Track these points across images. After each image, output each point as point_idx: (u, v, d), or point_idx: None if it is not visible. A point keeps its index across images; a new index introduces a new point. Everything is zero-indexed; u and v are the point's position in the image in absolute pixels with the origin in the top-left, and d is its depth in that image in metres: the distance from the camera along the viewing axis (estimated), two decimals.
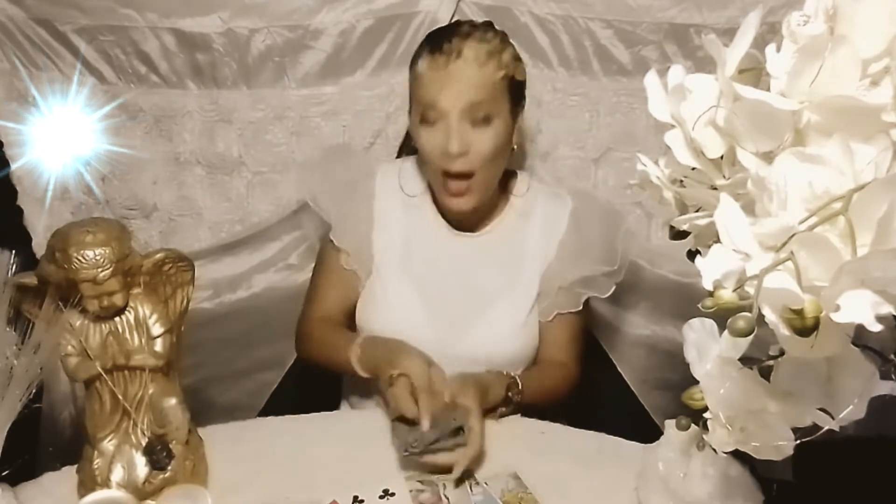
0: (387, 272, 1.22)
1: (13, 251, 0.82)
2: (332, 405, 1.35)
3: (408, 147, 1.35)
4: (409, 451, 0.96)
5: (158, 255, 0.91)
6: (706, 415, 0.61)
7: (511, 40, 1.15)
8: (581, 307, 1.22)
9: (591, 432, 1.10)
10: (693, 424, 0.77)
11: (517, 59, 1.15)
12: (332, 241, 1.23)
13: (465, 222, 1.22)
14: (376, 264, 1.23)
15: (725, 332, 0.49)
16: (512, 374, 1.12)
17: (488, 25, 1.15)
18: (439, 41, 1.10)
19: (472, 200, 1.15)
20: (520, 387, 1.11)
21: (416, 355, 1.06)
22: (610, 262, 1.20)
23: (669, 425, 0.86)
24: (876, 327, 0.44)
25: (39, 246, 1.35)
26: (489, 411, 1.06)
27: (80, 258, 0.84)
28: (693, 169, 0.62)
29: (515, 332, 1.19)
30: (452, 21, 1.20)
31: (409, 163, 1.27)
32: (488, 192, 1.18)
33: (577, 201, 1.24)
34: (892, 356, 0.54)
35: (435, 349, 1.15)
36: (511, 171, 1.25)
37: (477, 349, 1.16)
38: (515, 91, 1.15)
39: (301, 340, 1.28)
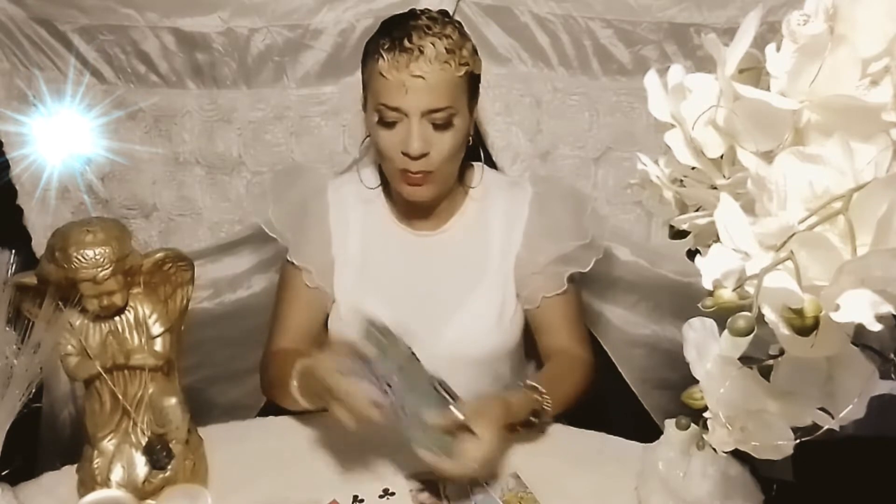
0: (349, 285, 1.19)
1: (13, 251, 0.82)
2: None
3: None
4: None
5: (158, 255, 0.91)
6: (706, 414, 0.61)
7: (463, 28, 1.13)
8: (566, 286, 1.20)
9: (591, 432, 1.10)
10: (693, 424, 0.77)
11: (475, 52, 1.12)
12: (291, 262, 1.20)
13: (424, 220, 1.20)
14: (337, 276, 1.20)
15: (725, 331, 0.49)
16: (542, 397, 1.06)
17: (445, 16, 1.12)
18: (399, 37, 1.06)
19: (430, 190, 1.13)
20: (547, 408, 1.06)
21: (324, 357, 0.96)
22: (580, 237, 1.18)
23: (669, 425, 0.86)
24: (876, 327, 0.44)
25: (39, 246, 1.35)
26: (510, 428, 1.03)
27: (79, 257, 0.84)
28: (693, 168, 0.62)
29: (490, 327, 1.18)
30: (409, 10, 1.13)
31: (365, 165, 1.25)
32: (447, 184, 1.16)
33: (537, 187, 1.23)
34: (892, 356, 0.54)
35: None
36: (466, 164, 1.21)
37: (453, 349, 1.15)
38: (474, 86, 1.13)
39: (262, 377, 1.21)
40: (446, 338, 1.16)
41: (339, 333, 1.19)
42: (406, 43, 1.04)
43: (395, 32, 1.06)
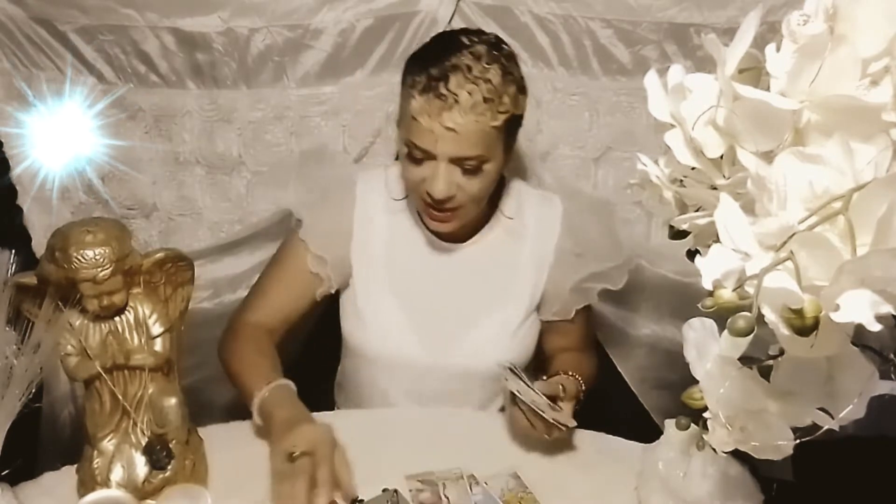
0: (369, 286, 1.18)
1: (13, 251, 0.82)
2: (332, 405, 1.35)
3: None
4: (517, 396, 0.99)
5: (158, 255, 0.91)
6: (706, 415, 0.61)
7: (517, 61, 1.07)
8: (596, 300, 1.21)
9: (591, 432, 1.10)
10: (693, 424, 0.77)
11: (520, 91, 1.05)
12: (302, 240, 1.17)
13: (452, 232, 1.17)
14: (355, 277, 1.19)
15: (725, 331, 0.49)
16: (578, 380, 1.09)
17: (493, 48, 1.03)
18: (436, 78, 0.99)
19: (455, 225, 1.12)
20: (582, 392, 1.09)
21: (323, 442, 0.93)
22: (615, 258, 1.19)
23: (669, 425, 0.86)
24: (875, 327, 0.44)
25: (39, 246, 1.35)
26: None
27: (79, 258, 0.84)
28: (693, 168, 0.62)
29: (507, 341, 1.18)
30: (455, 33, 1.07)
31: (394, 169, 1.20)
32: (473, 215, 1.14)
33: (566, 202, 1.21)
34: (892, 356, 0.54)
35: (424, 364, 1.15)
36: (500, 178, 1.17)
37: (469, 362, 1.15)
38: (514, 127, 1.08)
39: (226, 340, 1.17)
40: (463, 351, 1.15)
41: (355, 333, 1.19)
42: (441, 89, 0.99)
43: (433, 69, 1.00)
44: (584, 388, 1.09)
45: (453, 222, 1.11)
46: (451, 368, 1.15)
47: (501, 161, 1.08)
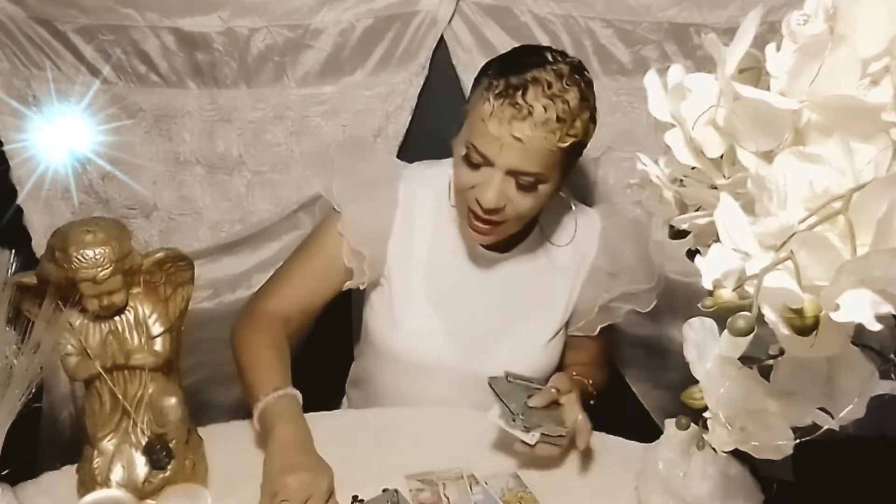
0: (405, 288, 1.16)
1: (13, 251, 0.82)
2: (333, 405, 1.35)
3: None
4: (514, 420, 0.99)
5: (158, 255, 0.91)
6: (706, 414, 0.61)
7: (594, 90, 1.05)
8: (622, 319, 1.22)
9: (592, 432, 1.10)
10: (693, 424, 0.77)
11: (592, 120, 1.04)
12: (340, 234, 1.15)
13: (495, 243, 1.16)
14: (389, 277, 1.17)
15: (725, 331, 0.49)
16: (589, 384, 1.13)
17: (575, 71, 1.02)
18: (514, 87, 0.98)
19: (492, 239, 1.11)
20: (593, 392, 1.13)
21: (323, 481, 0.93)
22: (648, 280, 1.19)
23: (669, 425, 0.87)
24: (876, 327, 0.44)
25: (39, 246, 1.35)
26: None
27: (79, 257, 0.84)
28: (693, 168, 0.62)
29: (538, 353, 1.18)
30: (541, 48, 1.05)
31: (442, 169, 1.17)
32: (513, 232, 1.12)
33: (604, 220, 1.21)
34: (892, 356, 0.54)
35: (455, 370, 1.15)
36: None
37: (499, 371, 1.13)
38: (577, 154, 1.06)
39: (241, 327, 1.14)
40: (495, 360, 1.14)
41: (385, 333, 1.17)
42: (518, 98, 0.98)
43: (513, 77, 0.99)
44: (593, 391, 1.11)
45: (492, 236, 1.10)
46: (483, 377, 1.15)
47: (556, 185, 1.07)
